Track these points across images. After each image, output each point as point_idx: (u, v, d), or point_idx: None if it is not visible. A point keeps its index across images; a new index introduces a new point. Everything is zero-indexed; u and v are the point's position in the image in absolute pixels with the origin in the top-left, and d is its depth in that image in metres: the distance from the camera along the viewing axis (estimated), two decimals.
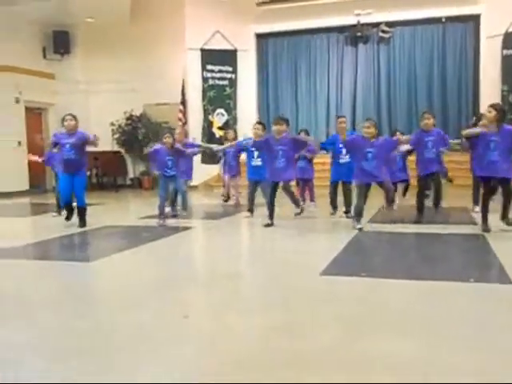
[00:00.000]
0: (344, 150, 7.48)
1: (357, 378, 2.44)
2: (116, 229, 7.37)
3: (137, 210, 10.51)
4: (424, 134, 7.00)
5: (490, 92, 13.24)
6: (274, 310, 3.58)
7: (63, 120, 7.35)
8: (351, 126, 14.39)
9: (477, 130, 6.32)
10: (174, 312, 3.50)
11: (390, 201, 6.89)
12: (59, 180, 7.69)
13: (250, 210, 8.00)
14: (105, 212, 9.49)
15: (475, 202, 7.80)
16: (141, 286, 4.26)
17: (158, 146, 7.85)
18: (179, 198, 8.24)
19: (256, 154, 7.96)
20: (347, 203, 7.68)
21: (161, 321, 3.32)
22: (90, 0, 13.12)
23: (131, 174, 15.75)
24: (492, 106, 6.16)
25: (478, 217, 6.89)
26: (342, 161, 7.64)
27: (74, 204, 7.40)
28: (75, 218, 7.36)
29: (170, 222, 7.58)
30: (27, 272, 4.94)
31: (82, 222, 7.34)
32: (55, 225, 7.63)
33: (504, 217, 6.29)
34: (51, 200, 9.62)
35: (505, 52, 12.93)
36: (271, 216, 7.15)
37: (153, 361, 2.68)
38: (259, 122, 8.74)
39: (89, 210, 7.61)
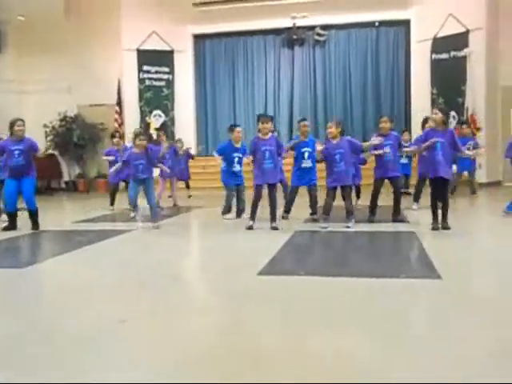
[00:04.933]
0: (306, 154, 7.52)
1: (304, 377, 2.47)
2: (50, 234, 7.17)
3: (72, 213, 10.27)
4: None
5: (420, 94, 13.79)
6: (213, 311, 3.59)
7: (13, 125, 7.13)
8: (288, 126, 14.61)
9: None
10: (113, 316, 3.44)
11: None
12: (5, 186, 7.38)
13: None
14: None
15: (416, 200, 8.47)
16: (77, 290, 4.16)
17: None
18: None
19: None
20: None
21: (100, 325, 3.26)
22: None
23: (66, 177, 15.35)
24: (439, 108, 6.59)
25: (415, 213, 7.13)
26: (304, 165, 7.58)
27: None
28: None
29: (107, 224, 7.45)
30: None
31: (36, 225, 7.26)
32: None
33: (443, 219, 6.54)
34: None
35: (433, 56, 13.46)
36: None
37: (96, 364, 2.65)
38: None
39: (21, 215, 7.39)
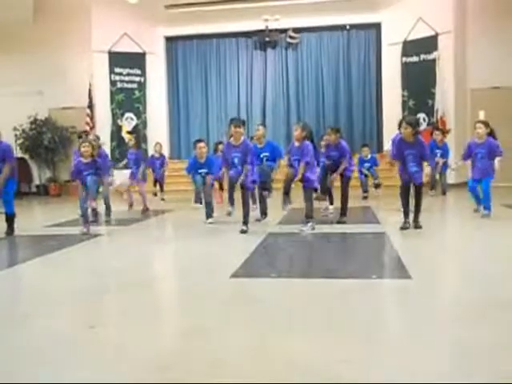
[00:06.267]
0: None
1: (276, 379, 2.48)
2: (20, 238, 7.05)
3: (43, 217, 10.14)
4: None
5: (391, 97, 13.96)
6: (185, 315, 3.58)
7: None
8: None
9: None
10: (82, 322, 3.41)
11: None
12: None
13: None
14: None
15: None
16: (46, 297, 4.11)
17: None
18: None
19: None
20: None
21: (69, 332, 3.22)
22: None
23: (37, 181, 15.12)
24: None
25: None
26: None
27: None
28: None
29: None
30: None
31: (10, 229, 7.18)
32: None
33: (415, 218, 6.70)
34: None
35: (404, 59, 13.64)
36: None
37: (68, 367, 2.62)
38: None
39: None
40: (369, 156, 10.86)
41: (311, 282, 4.26)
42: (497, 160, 7.33)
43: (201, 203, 7.94)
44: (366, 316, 3.37)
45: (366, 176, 10.61)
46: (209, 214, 7.70)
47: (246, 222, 6.83)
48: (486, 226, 6.95)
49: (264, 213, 7.71)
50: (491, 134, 7.46)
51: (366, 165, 10.64)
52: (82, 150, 7.09)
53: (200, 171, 7.83)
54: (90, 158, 7.07)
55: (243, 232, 6.71)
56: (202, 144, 7.93)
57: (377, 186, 10.58)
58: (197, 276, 4.63)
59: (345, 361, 2.63)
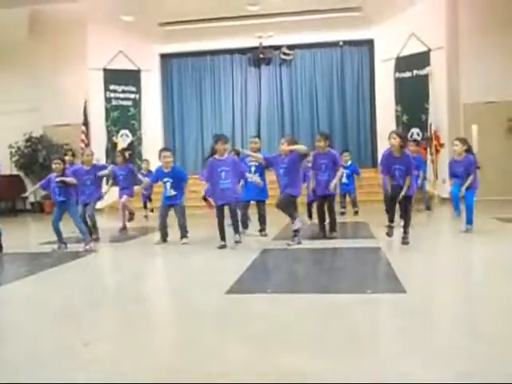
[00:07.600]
0: (253, 169, 7.77)
1: None
2: (14, 256, 7.02)
3: (38, 235, 10.09)
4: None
5: (385, 112, 14.07)
6: (181, 331, 3.57)
7: None
8: None
9: None
10: (76, 339, 3.39)
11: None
12: None
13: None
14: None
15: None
16: (40, 314, 4.09)
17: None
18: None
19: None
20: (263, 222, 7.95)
21: (62, 349, 3.21)
22: None
23: (31, 198, 15.09)
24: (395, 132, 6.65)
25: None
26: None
27: None
28: None
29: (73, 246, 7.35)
30: None
31: None
32: None
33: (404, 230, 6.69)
34: None
35: (397, 75, 13.79)
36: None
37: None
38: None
39: None
40: (349, 162, 10.47)
41: (307, 297, 4.26)
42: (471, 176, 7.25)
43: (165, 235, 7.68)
44: (362, 330, 3.37)
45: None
46: (183, 235, 7.55)
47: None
48: (481, 240, 6.97)
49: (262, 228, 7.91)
50: (469, 150, 7.35)
51: (346, 171, 10.04)
52: (54, 166, 7.14)
53: (164, 180, 7.50)
54: (61, 173, 7.12)
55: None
56: (167, 153, 7.58)
57: (355, 212, 10.41)
58: (192, 292, 4.62)
59: (342, 371, 2.63)
